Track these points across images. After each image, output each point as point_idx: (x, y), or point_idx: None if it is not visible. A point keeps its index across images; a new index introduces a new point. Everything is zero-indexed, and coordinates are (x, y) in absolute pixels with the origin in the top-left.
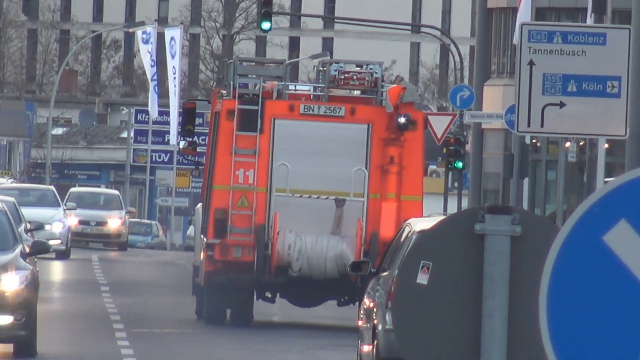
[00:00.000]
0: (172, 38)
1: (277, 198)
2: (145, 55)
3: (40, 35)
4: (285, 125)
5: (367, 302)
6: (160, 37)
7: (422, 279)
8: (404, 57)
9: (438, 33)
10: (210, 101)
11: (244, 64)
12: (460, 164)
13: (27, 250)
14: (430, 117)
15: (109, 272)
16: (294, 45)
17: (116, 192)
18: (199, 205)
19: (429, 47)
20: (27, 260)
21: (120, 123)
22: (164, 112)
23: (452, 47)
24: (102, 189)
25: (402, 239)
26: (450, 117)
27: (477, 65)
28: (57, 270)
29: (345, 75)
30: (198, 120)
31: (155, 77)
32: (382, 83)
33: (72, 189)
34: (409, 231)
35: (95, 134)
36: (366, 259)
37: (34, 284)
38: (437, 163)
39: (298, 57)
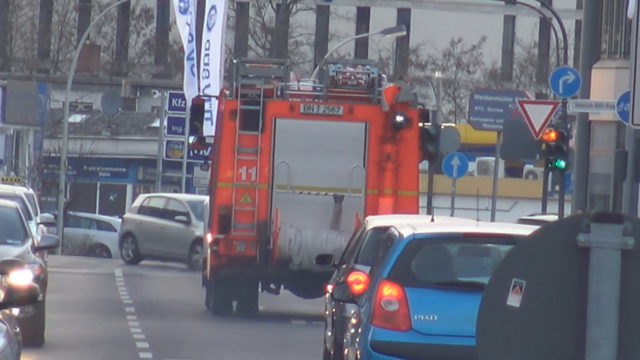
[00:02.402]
0: (212, 7)
1: (278, 194)
2: (183, 27)
3: (56, 2)
4: (286, 124)
5: (328, 293)
6: (201, 5)
7: (514, 300)
8: (495, 33)
9: (538, 4)
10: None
11: (247, 65)
12: (562, 163)
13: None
14: (526, 106)
15: (136, 290)
16: (362, 17)
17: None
18: (207, 200)
19: (526, 21)
20: (37, 254)
21: (152, 110)
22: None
23: (555, 22)
24: None
25: (359, 234)
26: (551, 107)
27: (585, 43)
28: (72, 287)
29: (344, 75)
30: None
31: (192, 55)
32: (380, 82)
33: None
34: (364, 228)
35: (121, 123)
36: (330, 253)
37: (42, 278)
38: (534, 162)
39: (367, 31)
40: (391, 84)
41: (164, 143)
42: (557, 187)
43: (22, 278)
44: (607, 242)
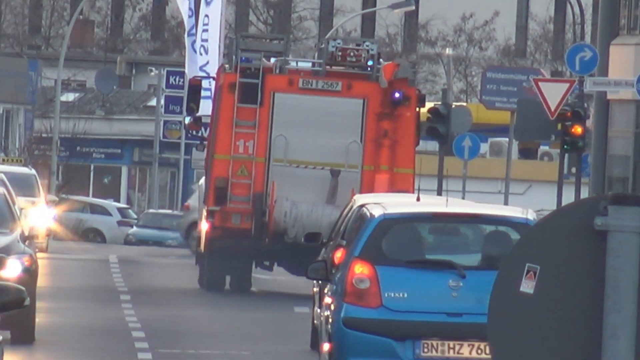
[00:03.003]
0: None
1: (275, 168)
2: (183, 1)
3: None
4: (284, 99)
5: None
6: None
7: (527, 286)
8: (509, 7)
9: None
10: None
11: (247, 39)
12: (579, 144)
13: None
14: (541, 84)
15: (131, 277)
16: None
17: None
18: (202, 179)
19: None
20: (26, 243)
21: (148, 88)
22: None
23: None
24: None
25: (346, 212)
26: (567, 85)
27: (602, 19)
28: (63, 272)
29: (343, 52)
30: None
31: (193, 31)
32: (380, 60)
33: None
34: (352, 206)
35: (115, 102)
36: (319, 231)
37: (33, 269)
38: (550, 143)
39: (374, 6)
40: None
41: (161, 123)
42: (573, 170)
43: (9, 272)
44: (626, 226)
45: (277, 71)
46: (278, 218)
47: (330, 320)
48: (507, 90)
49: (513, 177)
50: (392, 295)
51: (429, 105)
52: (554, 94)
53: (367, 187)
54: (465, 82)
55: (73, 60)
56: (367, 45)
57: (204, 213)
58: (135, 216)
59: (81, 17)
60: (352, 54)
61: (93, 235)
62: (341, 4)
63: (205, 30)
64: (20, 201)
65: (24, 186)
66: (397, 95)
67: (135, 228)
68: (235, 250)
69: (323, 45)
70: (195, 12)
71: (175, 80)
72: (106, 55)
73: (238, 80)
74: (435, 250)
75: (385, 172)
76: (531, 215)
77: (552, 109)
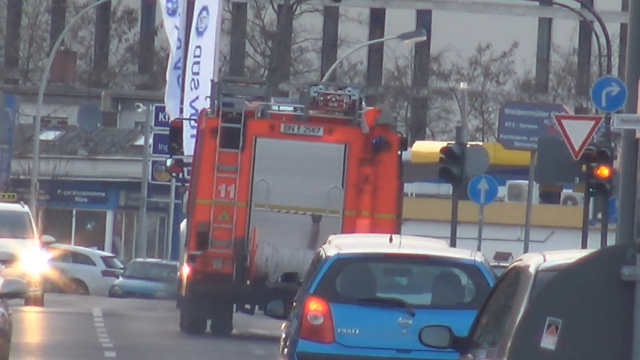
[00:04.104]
0: (204, 8)
1: (256, 213)
2: (172, 31)
3: (25, 2)
4: (266, 144)
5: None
6: (191, 6)
7: (549, 342)
8: (529, 38)
9: (578, 5)
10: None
11: (228, 84)
12: (606, 187)
13: None
14: (564, 122)
15: (117, 333)
16: (376, 19)
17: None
18: (184, 222)
19: (564, 24)
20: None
21: (135, 125)
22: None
23: (597, 26)
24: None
25: (316, 260)
26: (593, 122)
27: (631, 50)
28: (41, 327)
29: (325, 97)
30: None
31: (180, 64)
32: (361, 105)
33: None
34: (323, 254)
35: (100, 141)
36: (295, 272)
37: (6, 330)
38: (573, 186)
39: (382, 36)
40: (372, 108)
41: (149, 164)
42: (599, 215)
43: None
44: None
45: (259, 115)
46: (259, 263)
47: (286, 354)
48: (526, 128)
49: (534, 223)
50: (345, 331)
51: (441, 144)
52: (578, 132)
53: (349, 232)
54: (481, 120)
55: (53, 95)
56: (349, 91)
57: (186, 257)
58: (121, 266)
59: (62, 48)
60: (333, 99)
61: (75, 287)
62: (345, 34)
63: (197, 63)
64: (11, 243)
65: (16, 226)
66: (378, 140)
67: (121, 279)
68: (217, 294)
69: (305, 90)
70: (185, 43)
71: (164, 117)
72: (89, 90)
73: (220, 124)
74: (387, 289)
75: (366, 218)
76: (479, 258)
77: (576, 149)
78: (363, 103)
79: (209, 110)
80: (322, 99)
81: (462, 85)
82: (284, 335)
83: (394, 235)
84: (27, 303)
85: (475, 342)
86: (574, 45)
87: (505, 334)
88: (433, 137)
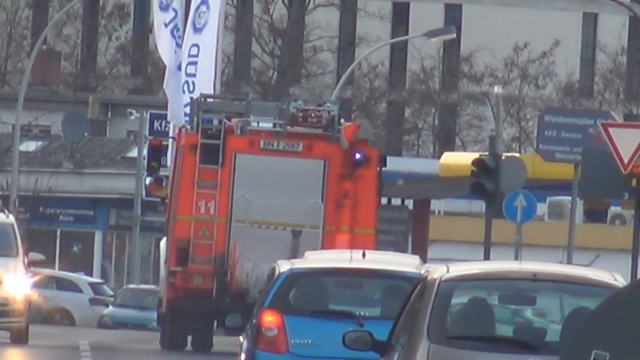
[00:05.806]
0: (202, 1)
1: (236, 228)
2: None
3: None
4: (245, 160)
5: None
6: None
7: None
8: (572, 36)
9: (627, 0)
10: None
11: (208, 100)
12: None
13: None
14: (612, 131)
15: None
16: (400, 15)
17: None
18: (164, 240)
19: (611, 20)
20: None
21: (127, 135)
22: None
23: None
24: None
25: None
26: None
27: None
28: None
29: (304, 112)
30: None
31: (180, 65)
32: (340, 120)
33: None
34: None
35: (87, 152)
36: None
37: None
38: (622, 202)
39: (406, 33)
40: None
41: (143, 178)
42: None
43: None
44: None
45: (239, 132)
46: (240, 278)
47: None
48: (569, 137)
49: (577, 245)
50: (298, 342)
51: (473, 156)
52: (627, 142)
53: (329, 247)
54: (518, 128)
55: (35, 100)
56: (328, 106)
57: (166, 273)
58: (111, 293)
59: (45, 47)
60: (313, 114)
61: (60, 317)
62: (365, 32)
63: (193, 64)
64: None
65: None
66: (357, 156)
67: (111, 308)
68: (197, 310)
69: (284, 106)
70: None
71: (160, 125)
72: (75, 95)
73: (199, 141)
74: (338, 301)
75: (346, 233)
76: (424, 270)
77: (625, 161)
78: (342, 119)
79: (188, 127)
80: (301, 114)
81: (497, 89)
82: (242, 347)
83: (367, 251)
84: (11, 337)
85: (392, 345)
86: (622, 43)
87: (412, 337)
88: (464, 148)
